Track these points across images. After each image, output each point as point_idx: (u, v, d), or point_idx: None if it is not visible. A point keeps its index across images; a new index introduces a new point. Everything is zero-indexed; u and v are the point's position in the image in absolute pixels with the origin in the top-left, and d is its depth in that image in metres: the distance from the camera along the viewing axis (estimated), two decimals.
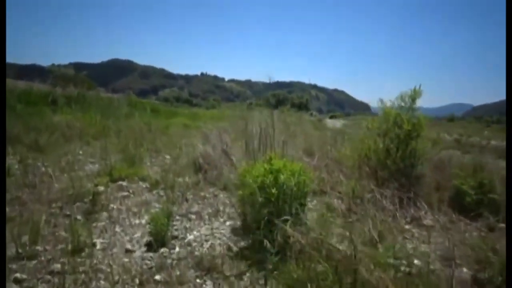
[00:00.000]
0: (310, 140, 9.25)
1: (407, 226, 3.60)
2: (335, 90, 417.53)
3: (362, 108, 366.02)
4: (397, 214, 3.66)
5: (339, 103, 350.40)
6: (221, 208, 4.32)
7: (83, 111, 11.82)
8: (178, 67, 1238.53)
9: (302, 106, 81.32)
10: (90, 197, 4.10)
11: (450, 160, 5.11)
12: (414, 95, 4.22)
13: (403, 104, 4.30)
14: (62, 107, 12.44)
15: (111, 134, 9.00)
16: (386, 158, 4.29)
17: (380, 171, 4.28)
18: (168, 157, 7.44)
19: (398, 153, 4.23)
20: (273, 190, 2.74)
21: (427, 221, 3.65)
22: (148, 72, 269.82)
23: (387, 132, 4.36)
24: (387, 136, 4.37)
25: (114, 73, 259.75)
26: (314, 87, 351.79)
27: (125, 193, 4.70)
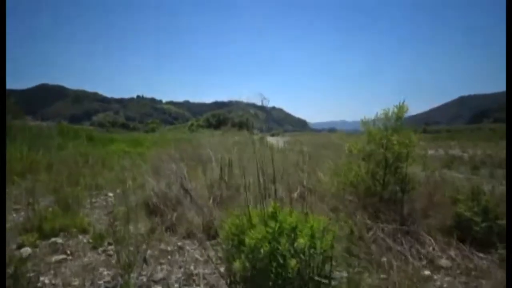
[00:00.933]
0: (271, 164, 8.54)
1: (426, 272, 3.06)
2: (273, 108, 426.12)
3: (300, 124, 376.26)
4: (409, 256, 3.11)
5: (277, 120, 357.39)
6: (193, 268, 3.33)
7: (7, 144, 10.41)
8: (112, 90, 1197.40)
9: (242, 125, 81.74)
10: (12, 268, 2.81)
11: (440, 181, 4.72)
12: (400, 111, 3.76)
13: (385, 122, 3.82)
14: None
15: (41, 170, 7.82)
16: (374, 185, 3.78)
17: (369, 200, 3.76)
18: (111, 195, 6.45)
19: (386, 178, 3.74)
20: (292, 263, 1.92)
21: (443, 261, 3.15)
22: (80, 96, 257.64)
23: (372, 154, 3.85)
24: (372, 159, 3.86)
25: (43, 99, 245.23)
26: (253, 105, 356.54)
27: (61, 256, 3.59)
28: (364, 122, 3.99)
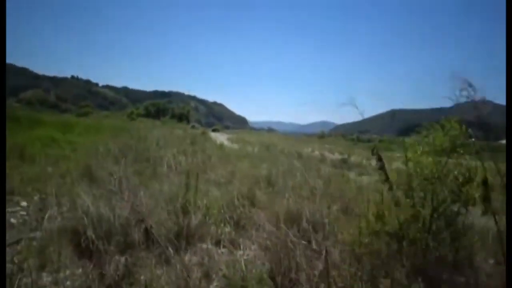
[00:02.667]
0: (241, 175, 7.10)
1: None
2: (214, 103, 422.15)
3: (240, 121, 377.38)
4: None
5: (218, 115, 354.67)
6: None
7: None
8: (44, 67, 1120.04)
9: (183, 117, 79.42)
10: None
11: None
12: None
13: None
14: None
15: None
16: (428, 232, 2.73)
17: (421, 258, 2.64)
18: (24, 204, 4.87)
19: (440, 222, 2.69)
20: None
21: None
22: (7, 70, 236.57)
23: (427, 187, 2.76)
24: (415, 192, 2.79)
25: None
26: (193, 98, 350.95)
27: None
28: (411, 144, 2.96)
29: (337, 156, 27.75)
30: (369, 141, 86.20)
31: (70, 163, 7.23)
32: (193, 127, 62.66)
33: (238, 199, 4.46)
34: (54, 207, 4.10)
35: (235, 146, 21.30)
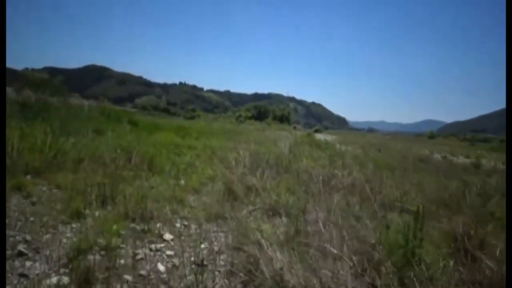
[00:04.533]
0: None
1: None
2: (313, 103, 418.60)
3: (339, 122, 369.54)
4: None
5: (316, 116, 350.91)
6: None
7: (35, 124, 8.33)
8: (156, 75, 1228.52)
9: (283, 118, 79.25)
10: None
11: None
12: None
13: None
14: (10, 117, 8.94)
15: (65, 168, 5.53)
16: None
17: None
18: (170, 239, 3.76)
19: None
20: None
21: None
22: (125, 79, 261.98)
23: None
24: None
25: (91, 79, 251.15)
26: (292, 99, 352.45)
27: None
28: None
29: (463, 160, 24.30)
30: (485, 141, 76.71)
31: (200, 175, 6.36)
32: (294, 128, 61.98)
33: None
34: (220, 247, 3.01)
35: (349, 148, 19.42)
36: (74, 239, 3.18)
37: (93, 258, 2.74)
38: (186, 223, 4.18)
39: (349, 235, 2.76)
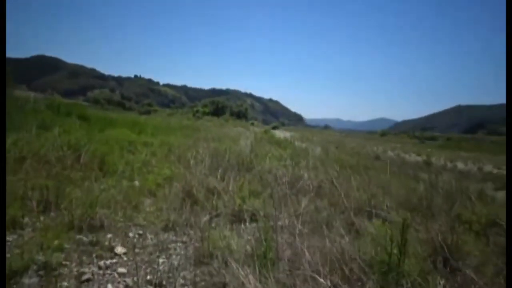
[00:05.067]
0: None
1: None
2: (270, 100, 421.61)
3: (296, 118, 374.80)
4: None
5: (274, 113, 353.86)
6: None
7: None
8: (110, 68, 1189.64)
9: (241, 115, 79.20)
10: None
11: None
12: None
13: None
14: None
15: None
16: None
17: None
18: (122, 252, 3.28)
19: None
20: None
21: None
22: (77, 71, 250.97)
23: None
24: None
25: (40, 70, 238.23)
26: (250, 95, 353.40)
27: None
28: None
29: (415, 158, 25.21)
30: (433, 138, 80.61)
31: (156, 175, 5.94)
32: (252, 124, 62.01)
33: None
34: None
35: (308, 146, 19.50)
36: (8, 256, 2.73)
37: (28, 281, 2.33)
38: (141, 232, 3.77)
39: (324, 248, 2.53)
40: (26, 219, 3.52)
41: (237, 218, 4.10)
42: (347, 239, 2.72)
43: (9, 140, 5.91)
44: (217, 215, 4.13)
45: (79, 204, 3.83)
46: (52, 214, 3.75)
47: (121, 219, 3.95)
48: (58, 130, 8.82)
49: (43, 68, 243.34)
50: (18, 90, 22.59)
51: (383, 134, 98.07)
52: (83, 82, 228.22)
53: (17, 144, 5.91)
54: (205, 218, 3.81)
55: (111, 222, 3.72)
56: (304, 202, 3.91)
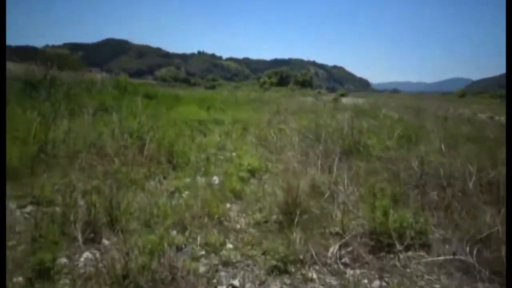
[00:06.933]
0: None
1: None
2: (334, 67, 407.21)
3: (362, 84, 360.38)
4: None
5: (338, 79, 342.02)
6: None
7: (34, 105, 6.74)
8: (175, 46, 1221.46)
9: (306, 84, 76.33)
10: None
11: None
12: None
13: None
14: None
15: (55, 165, 3.95)
16: None
17: None
18: None
19: None
20: None
21: None
22: (143, 51, 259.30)
23: None
24: None
25: (109, 53, 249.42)
26: (313, 63, 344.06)
27: None
28: None
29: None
30: None
31: (238, 166, 4.61)
32: (319, 93, 59.29)
33: None
34: None
35: (394, 114, 17.25)
36: None
37: None
38: (235, 282, 2.40)
39: None
40: (63, 260, 2.35)
41: (380, 246, 2.60)
42: None
43: (61, 129, 4.93)
44: (347, 244, 2.63)
45: (139, 223, 2.62)
46: (102, 243, 2.58)
47: (201, 251, 2.62)
48: (123, 112, 7.90)
49: (113, 51, 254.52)
50: (91, 73, 22.66)
51: (462, 94, 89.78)
52: (150, 61, 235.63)
53: (70, 133, 4.90)
54: (332, 248, 2.42)
55: (184, 264, 2.39)
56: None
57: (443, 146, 4.44)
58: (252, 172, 4.39)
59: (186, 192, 3.59)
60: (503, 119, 24.12)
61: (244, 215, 3.23)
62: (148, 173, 4.09)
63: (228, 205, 3.46)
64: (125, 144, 4.63)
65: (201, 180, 4.12)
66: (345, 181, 3.39)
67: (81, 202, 3.02)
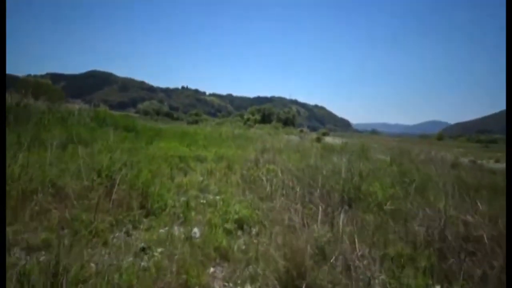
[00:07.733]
0: None
1: None
2: (316, 106, 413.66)
3: (343, 124, 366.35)
4: None
5: (320, 119, 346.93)
6: None
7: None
8: (159, 80, 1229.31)
9: (288, 122, 76.50)
10: None
11: None
12: None
13: None
14: None
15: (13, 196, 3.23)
16: None
17: None
18: None
19: None
20: None
21: None
22: (127, 84, 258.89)
23: None
24: None
25: (93, 84, 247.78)
26: (295, 102, 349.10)
27: None
28: None
29: (497, 165, 21.75)
30: (494, 141, 72.89)
31: (223, 214, 3.94)
32: (301, 131, 59.33)
33: None
34: None
35: (382, 156, 16.89)
36: None
37: None
38: None
39: None
40: None
41: None
42: None
43: (17, 164, 4.20)
44: None
45: None
46: None
47: None
48: (98, 145, 7.21)
49: (97, 82, 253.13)
50: (73, 104, 21.99)
51: (440, 138, 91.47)
52: (133, 94, 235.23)
53: (28, 168, 4.17)
54: None
55: None
56: None
57: (457, 196, 3.89)
58: (240, 223, 3.73)
59: (159, 250, 2.90)
60: (485, 162, 24.08)
61: (231, 284, 2.54)
62: (114, 221, 3.38)
63: (211, 269, 2.78)
64: (91, 185, 3.92)
65: (179, 231, 3.44)
66: (356, 242, 2.74)
67: (22, 261, 2.32)
